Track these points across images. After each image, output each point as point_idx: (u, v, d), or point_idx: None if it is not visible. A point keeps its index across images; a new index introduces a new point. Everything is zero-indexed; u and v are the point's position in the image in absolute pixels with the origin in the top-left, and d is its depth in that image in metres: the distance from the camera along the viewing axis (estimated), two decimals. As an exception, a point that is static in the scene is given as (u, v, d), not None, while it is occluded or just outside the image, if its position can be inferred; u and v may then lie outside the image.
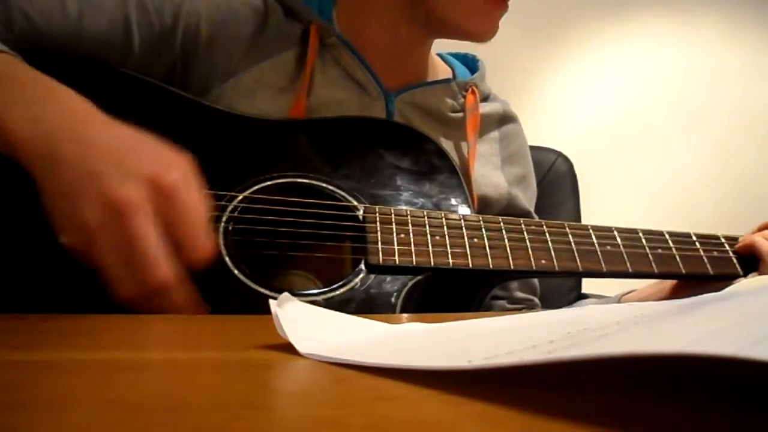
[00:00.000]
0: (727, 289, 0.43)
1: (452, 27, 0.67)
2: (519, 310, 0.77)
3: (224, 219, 0.52)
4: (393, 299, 0.51)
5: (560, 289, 1.05)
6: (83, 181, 0.40)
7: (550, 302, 0.82)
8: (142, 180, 0.40)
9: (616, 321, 0.23)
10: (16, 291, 0.46)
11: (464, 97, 0.73)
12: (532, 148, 0.84)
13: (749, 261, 0.64)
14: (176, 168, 0.43)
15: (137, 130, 0.45)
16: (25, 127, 0.43)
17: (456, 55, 0.82)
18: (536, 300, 0.78)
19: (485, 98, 0.78)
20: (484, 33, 0.68)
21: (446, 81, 0.72)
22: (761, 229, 0.67)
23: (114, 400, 0.18)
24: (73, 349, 0.28)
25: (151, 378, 0.22)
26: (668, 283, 0.69)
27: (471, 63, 0.80)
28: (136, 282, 0.40)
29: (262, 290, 0.49)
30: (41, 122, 0.43)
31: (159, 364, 0.24)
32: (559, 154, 1.16)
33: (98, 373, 0.22)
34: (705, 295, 0.28)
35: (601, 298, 0.84)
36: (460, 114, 0.73)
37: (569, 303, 1.06)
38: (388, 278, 0.52)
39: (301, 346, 0.25)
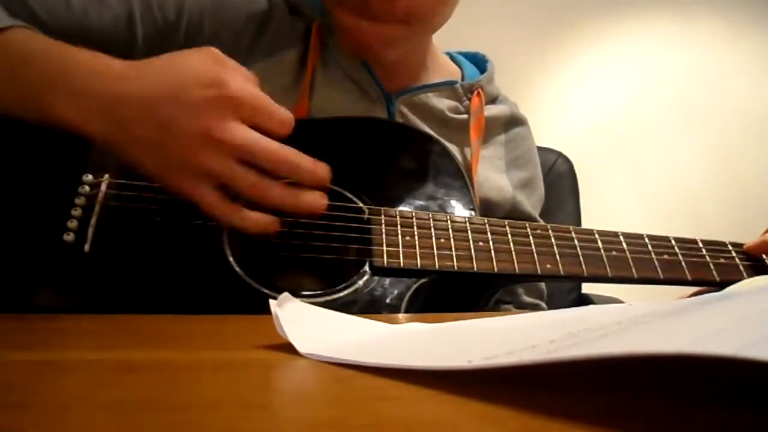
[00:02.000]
0: (727, 289, 0.43)
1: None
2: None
3: None
4: (397, 302, 0.51)
5: (561, 290, 1.05)
6: (161, 132, 0.44)
7: (550, 303, 0.81)
8: (206, 104, 0.44)
9: (617, 321, 0.23)
10: (16, 291, 0.46)
11: (469, 99, 0.72)
12: (532, 148, 0.84)
13: (756, 267, 0.64)
14: (219, 78, 0.45)
15: (159, 63, 0.47)
16: (72, 111, 0.45)
17: (466, 55, 0.81)
18: (543, 305, 0.78)
19: (493, 100, 0.76)
20: (356, 49, 0.65)
21: (450, 83, 0.72)
22: None
23: (114, 400, 0.18)
24: (73, 349, 0.28)
25: (151, 378, 0.22)
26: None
27: (481, 63, 0.79)
28: (267, 181, 0.46)
29: (266, 291, 0.49)
30: (81, 98, 0.46)
31: (159, 364, 0.24)
32: (559, 154, 1.16)
33: (98, 373, 0.22)
34: (705, 295, 0.28)
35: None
36: (465, 116, 0.72)
37: (570, 303, 1.06)
38: (392, 280, 0.52)
39: (301, 346, 0.25)
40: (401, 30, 0.62)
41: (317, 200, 0.48)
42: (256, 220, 0.47)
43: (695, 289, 0.67)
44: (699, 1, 2.50)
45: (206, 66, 0.46)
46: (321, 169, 0.49)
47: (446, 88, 0.71)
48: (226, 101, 0.44)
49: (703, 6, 2.49)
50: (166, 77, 0.46)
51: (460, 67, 0.78)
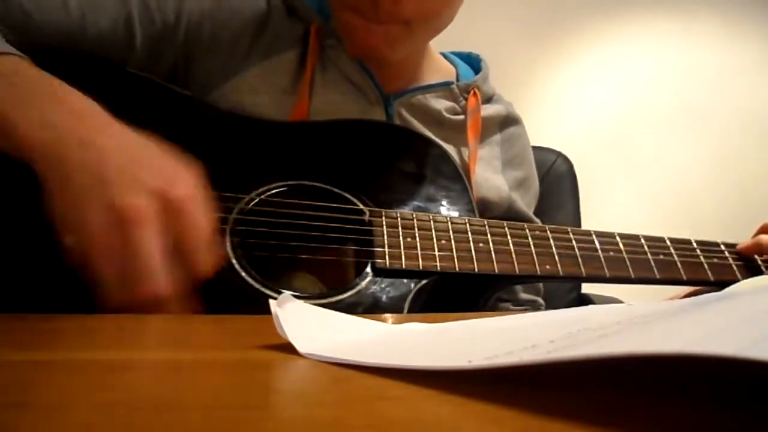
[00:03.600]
0: (727, 289, 0.43)
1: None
2: (524, 311, 0.77)
3: (231, 221, 0.52)
4: (400, 303, 0.51)
5: (560, 290, 1.05)
6: (93, 188, 0.40)
7: (550, 302, 0.82)
8: (151, 192, 0.40)
9: (616, 321, 0.23)
10: (16, 291, 0.46)
11: (466, 99, 0.73)
12: (532, 148, 0.84)
13: (748, 267, 0.65)
14: (185, 182, 0.43)
15: (147, 138, 0.44)
16: (35, 133, 0.42)
17: (460, 55, 0.82)
18: (540, 300, 0.78)
19: (488, 99, 0.77)
20: (359, 51, 0.65)
21: (446, 84, 0.72)
22: (764, 231, 0.67)
23: (114, 400, 0.18)
24: (73, 349, 0.28)
25: (151, 378, 0.22)
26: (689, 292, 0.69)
27: (475, 63, 0.80)
28: (128, 292, 0.39)
29: (268, 292, 0.49)
30: (52, 127, 0.43)
31: (159, 364, 0.24)
32: (559, 154, 1.16)
33: (98, 373, 0.22)
34: (705, 295, 0.28)
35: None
36: (461, 117, 0.72)
37: (570, 303, 1.06)
38: (395, 282, 0.52)
39: (301, 346, 0.25)
40: (406, 32, 0.62)
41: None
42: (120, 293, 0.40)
43: (690, 289, 0.67)
44: (699, 1, 2.50)
45: (186, 170, 0.43)
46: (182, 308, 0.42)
47: (443, 88, 0.71)
48: (167, 200, 0.40)
49: (704, 6, 2.49)
50: (139, 151, 0.43)
51: (454, 67, 0.78)
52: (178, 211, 0.41)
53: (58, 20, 0.58)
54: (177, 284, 0.41)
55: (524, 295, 0.77)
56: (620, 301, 1.02)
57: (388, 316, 0.49)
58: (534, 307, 0.78)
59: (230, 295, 0.49)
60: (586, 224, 0.99)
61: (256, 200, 0.54)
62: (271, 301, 0.29)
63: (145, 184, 0.40)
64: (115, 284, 0.39)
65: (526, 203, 0.77)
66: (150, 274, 0.39)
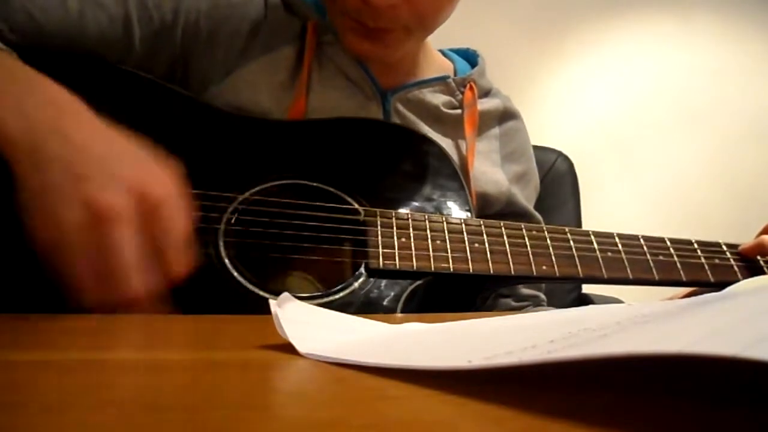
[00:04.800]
0: (727, 289, 0.43)
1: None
2: (525, 307, 0.77)
3: (224, 220, 0.52)
4: (393, 303, 0.51)
5: (561, 290, 1.05)
6: (68, 183, 0.39)
7: (550, 302, 0.82)
8: (128, 189, 0.39)
9: (616, 321, 0.23)
10: (15, 291, 0.46)
11: (462, 93, 0.73)
12: (532, 147, 0.84)
13: (750, 268, 0.64)
14: (164, 182, 0.42)
15: (127, 136, 0.44)
16: (11, 123, 0.41)
17: (458, 51, 0.82)
18: (542, 295, 0.79)
19: (485, 93, 0.77)
20: (358, 53, 0.65)
21: (443, 78, 0.72)
22: (766, 232, 0.67)
23: (114, 400, 0.18)
24: (73, 349, 0.28)
25: (151, 378, 0.22)
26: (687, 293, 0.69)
27: (472, 58, 0.80)
28: (102, 291, 0.38)
29: (261, 293, 0.49)
30: (29, 119, 0.42)
31: (159, 364, 0.24)
32: (560, 154, 1.16)
33: (98, 373, 0.22)
34: (705, 295, 0.28)
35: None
36: (459, 111, 0.72)
37: (570, 303, 1.06)
38: (388, 282, 0.52)
39: (300, 346, 0.25)
40: (405, 34, 0.62)
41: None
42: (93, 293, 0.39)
43: (688, 289, 0.67)
44: (700, 1, 2.49)
45: (165, 170, 0.43)
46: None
47: (440, 83, 0.72)
48: (144, 199, 0.40)
49: (704, 6, 2.49)
50: (119, 149, 0.42)
51: (452, 62, 0.78)
52: (156, 211, 0.40)
53: (57, 20, 0.58)
54: (152, 285, 0.40)
55: (525, 290, 0.77)
56: (620, 301, 1.02)
57: (389, 316, 0.49)
58: (535, 302, 0.78)
59: (223, 295, 0.49)
60: (587, 224, 0.99)
61: (251, 199, 0.54)
62: (271, 301, 0.29)
63: (123, 181, 0.39)
64: (89, 283, 0.38)
65: (525, 197, 0.77)
66: (126, 274, 0.38)
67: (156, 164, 0.43)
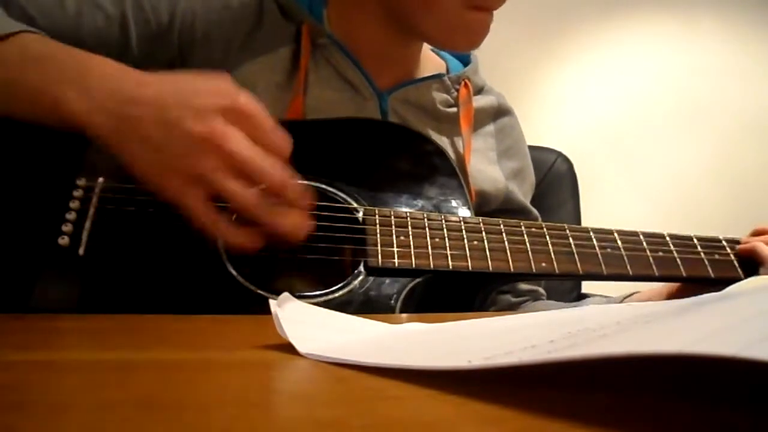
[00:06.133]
0: (727, 289, 0.43)
1: (433, 41, 0.68)
2: (524, 302, 0.77)
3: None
4: (392, 301, 0.51)
5: (560, 289, 1.05)
6: (166, 130, 0.43)
7: (549, 299, 0.82)
8: (214, 111, 0.44)
9: (616, 321, 0.23)
10: (12, 292, 0.46)
11: (457, 90, 0.73)
12: (531, 147, 0.84)
13: (749, 264, 0.64)
14: (236, 93, 0.46)
15: (178, 75, 0.47)
16: (83, 105, 0.45)
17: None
18: (541, 290, 0.79)
19: (479, 90, 0.78)
20: (465, 47, 0.68)
21: (438, 76, 0.72)
22: (757, 233, 0.67)
23: (114, 400, 0.18)
24: (73, 349, 0.28)
25: (151, 378, 0.22)
26: (672, 286, 0.69)
27: (465, 56, 0.80)
28: (257, 195, 0.44)
29: (260, 292, 0.49)
30: (96, 94, 0.45)
31: (159, 364, 0.24)
32: (559, 154, 1.16)
33: (98, 373, 0.22)
34: (705, 295, 0.28)
35: (604, 299, 0.84)
36: (454, 108, 0.73)
37: (569, 303, 1.06)
38: (387, 280, 0.52)
39: (301, 346, 0.25)
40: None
41: (302, 223, 0.47)
42: (237, 234, 0.46)
43: (661, 285, 0.68)
44: (701, 1, 2.49)
45: (223, 82, 0.47)
46: (307, 197, 0.48)
47: (435, 81, 0.72)
48: (234, 112, 0.44)
49: (705, 7, 2.49)
50: (183, 85, 0.46)
51: (444, 61, 0.79)
52: (244, 114, 0.45)
53: (55, 20, 0.59)
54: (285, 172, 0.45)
55: (524, 286, 0.77)
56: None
57: (389, 316, 0.49)
58: (534, 297, 0.78)
59: (223, 295, 0.49)
60: (586, 224, 0.99)
61: None
62: (271, 301, 0.29)
63: (206, 106, 0.44)
64: (241, 198, 0.43)
65: (522, 193, 0.78)
66: (260, 166, 0.43)
67: (215, 81, 0.47)
